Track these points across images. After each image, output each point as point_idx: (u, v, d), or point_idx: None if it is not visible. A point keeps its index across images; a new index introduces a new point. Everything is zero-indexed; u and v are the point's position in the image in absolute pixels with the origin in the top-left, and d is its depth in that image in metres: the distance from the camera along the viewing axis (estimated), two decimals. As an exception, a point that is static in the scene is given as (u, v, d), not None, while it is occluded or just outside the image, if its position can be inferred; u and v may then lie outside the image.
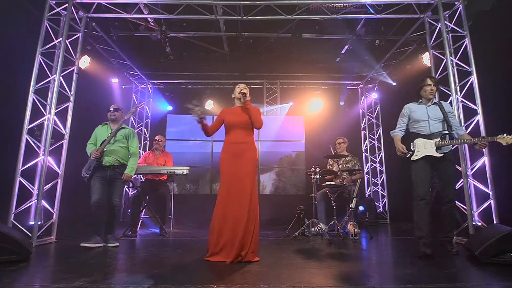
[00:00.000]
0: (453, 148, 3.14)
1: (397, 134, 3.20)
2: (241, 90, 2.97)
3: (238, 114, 2.93)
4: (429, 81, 3.11)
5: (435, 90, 3.13)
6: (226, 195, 2.71)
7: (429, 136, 3.02)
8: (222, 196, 2.73)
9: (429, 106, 3.12)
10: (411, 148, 3.06)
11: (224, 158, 2.85)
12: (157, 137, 5.04)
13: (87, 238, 3.35)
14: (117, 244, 3.45)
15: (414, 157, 3.02)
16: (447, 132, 3.01)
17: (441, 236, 3.14)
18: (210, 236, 2.71)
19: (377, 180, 6.74)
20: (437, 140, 2.99)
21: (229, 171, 2.78)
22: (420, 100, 3.18)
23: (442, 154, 2.97)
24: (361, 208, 5.70)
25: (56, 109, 3.85)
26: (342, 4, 4.49)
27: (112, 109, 3.69)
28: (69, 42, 4.09)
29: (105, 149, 3.48)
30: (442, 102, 3.16)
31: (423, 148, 3.00)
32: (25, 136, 3.65)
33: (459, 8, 4.02)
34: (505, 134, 2.75)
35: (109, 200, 3.49)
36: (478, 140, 2.89)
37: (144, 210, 4.71)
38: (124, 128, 3.70)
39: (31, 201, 3.67)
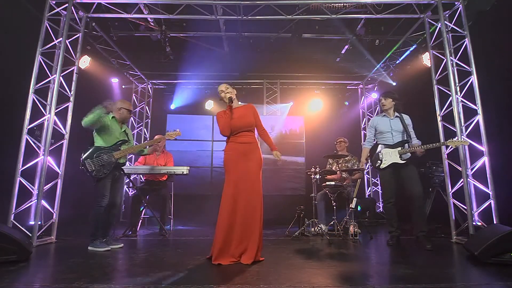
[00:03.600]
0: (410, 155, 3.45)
1: (366, 147, 3.69)
2: (223, 92, 3.01)
3: (237, 117, 2.90)
4: (381, 99, 3.64)
5: (387, 104, 3.57)
6: (233, 195, 2.67)
7: (392, 146, 3.47)
8: (228, 196, 2.68)
9: (392, 119, 3.53)
10: (379, 157, 3.50)
11: (229, 158, 2.82)
12: (157, 137, 5.02)
13: (97, 244, 3.20)
14: (122, 245, 3.43)
15: (382, 165, 3.47)
16: (407, 140, 3.43)
17: (417, 232, 3.33)
18: (216, 237, 2.62)
19: (377, 180, 6.74)
20: (399, 148, 3.43)
21: (236, 171, 2.74)
22: (384, 114, 3.63)
23: (405, 161, 3.39)
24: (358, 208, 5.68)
25: (56, 109, 3.84)
26: (342, 4, 4.48)
27: (132, 111, 3.69)
28: (69, 42, 4.09)
29: (120, 148, 3.45)
30: (403, 115, 3.57)
31: (389, 157, 3.44)
32: (25, 136, 3.65)
33: (459, 8, 4.02)
34: (454, 138, 3.28)
35: (113, 200, 3.40)
36: (434, 145, 3.28)
37: (144, 210, 4.71)
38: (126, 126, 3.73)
39: (31, 201, 3.67)
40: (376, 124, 3.61)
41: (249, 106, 3.00)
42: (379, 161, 3.49)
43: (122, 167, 3.55)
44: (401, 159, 3.39)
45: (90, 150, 3.30)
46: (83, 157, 3.26)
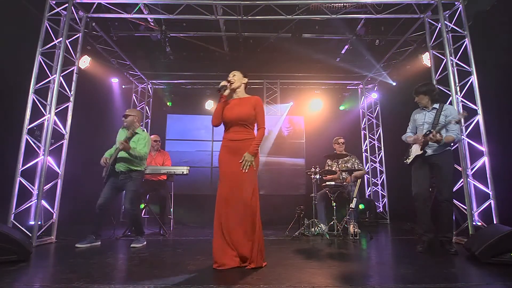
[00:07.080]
0: (446, 148, 3.15)
1: (410, 135, 3.38)
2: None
3: (232, 108, 2.66)
4: (415, 98, 3.32)
5: (421, 100, 3.28)
6: (225, 197, 2.53)
7: None
8: (220, 198, 2.54)
9: (429, 111, 3.28)
10: (409, 153, 3.32)
11: (221, 157, 2.67)
12: (152, 137, 4.99)
13: (83, 238, 3.41)
14: (144, 243, 3.52)
15: (408, 161, 3.31)
16: (431, 130, 3.11)
17: (440, 236, 3.18)
18: (214, 243, 2.46)
19: (377, 180, 6.74)
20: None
21: (227, 170, 2.59)
22: (423, 107, 3.35)
23: (422, 151, 3.15)
24: (361, 206, 5.65)
25: (56, 109, 3.84)
26: (342, 4, 4.49)
27: (124, 115, 3.73)
28: (69, 42, 4.09)
29: (118, 155, 3.53)
30: (444, 106, 3.21)
31: (414, 150, 3.26)
32: (25, 136, 3.64)
33: (459, 8, 4.02)
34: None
35: (124, 207, 3.62)
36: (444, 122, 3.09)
37: (144, 210, 4.71)
38: (138, 133, 3.65)
39: (31, 201, 3.67)
40: (414, 118, 3.36)
41: (251, 98, 2.70)
42: (409, 158, 3.28)
43: (126, 173, 3.55)
44: (420, 150, 3.15)
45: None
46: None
